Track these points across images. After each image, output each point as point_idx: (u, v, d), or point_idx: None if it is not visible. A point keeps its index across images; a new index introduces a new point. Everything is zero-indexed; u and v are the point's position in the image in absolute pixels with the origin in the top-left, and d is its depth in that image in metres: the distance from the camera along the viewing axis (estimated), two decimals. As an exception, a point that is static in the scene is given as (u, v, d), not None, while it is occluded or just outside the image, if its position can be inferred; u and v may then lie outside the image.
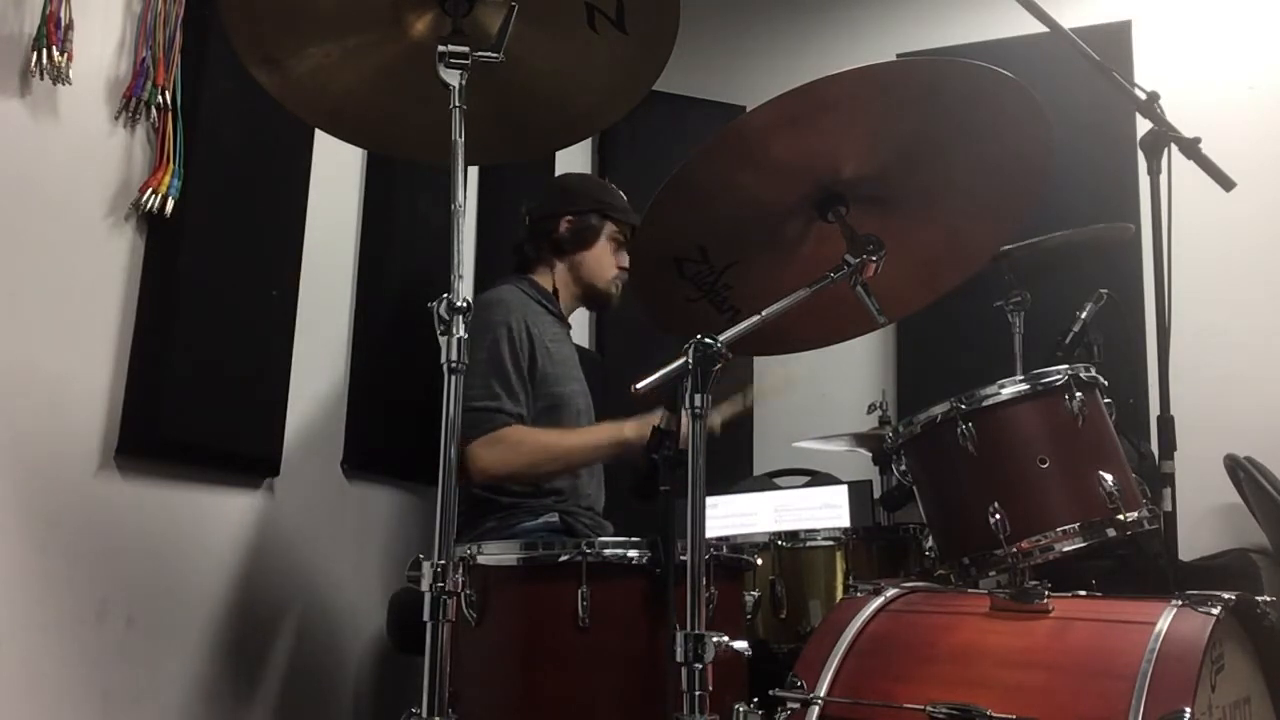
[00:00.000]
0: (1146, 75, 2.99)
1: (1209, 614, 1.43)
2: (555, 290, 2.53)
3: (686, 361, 1.36)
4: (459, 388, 1.36)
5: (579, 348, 2.72)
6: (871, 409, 2.70)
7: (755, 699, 1.49)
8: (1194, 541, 2.72)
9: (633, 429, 2.20)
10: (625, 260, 2.53)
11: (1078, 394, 1.78)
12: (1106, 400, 1.84)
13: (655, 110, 2.80)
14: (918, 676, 1.53)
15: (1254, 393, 3.04)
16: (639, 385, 1.42)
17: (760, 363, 3.03)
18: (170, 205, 1.91)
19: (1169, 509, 1.82)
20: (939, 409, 1.82)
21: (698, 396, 1.35)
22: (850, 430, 2.76)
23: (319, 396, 2.38)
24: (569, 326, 2.60)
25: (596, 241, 2.52)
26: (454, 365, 1.35)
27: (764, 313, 1.49)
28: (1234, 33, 3.33)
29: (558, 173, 3.01)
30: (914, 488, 1.92)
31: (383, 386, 2.51)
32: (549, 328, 2.45)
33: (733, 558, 1.74)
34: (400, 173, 2.55)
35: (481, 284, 2.64)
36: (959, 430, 1.78)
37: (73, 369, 1.82)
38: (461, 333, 1.35)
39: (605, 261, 2.53)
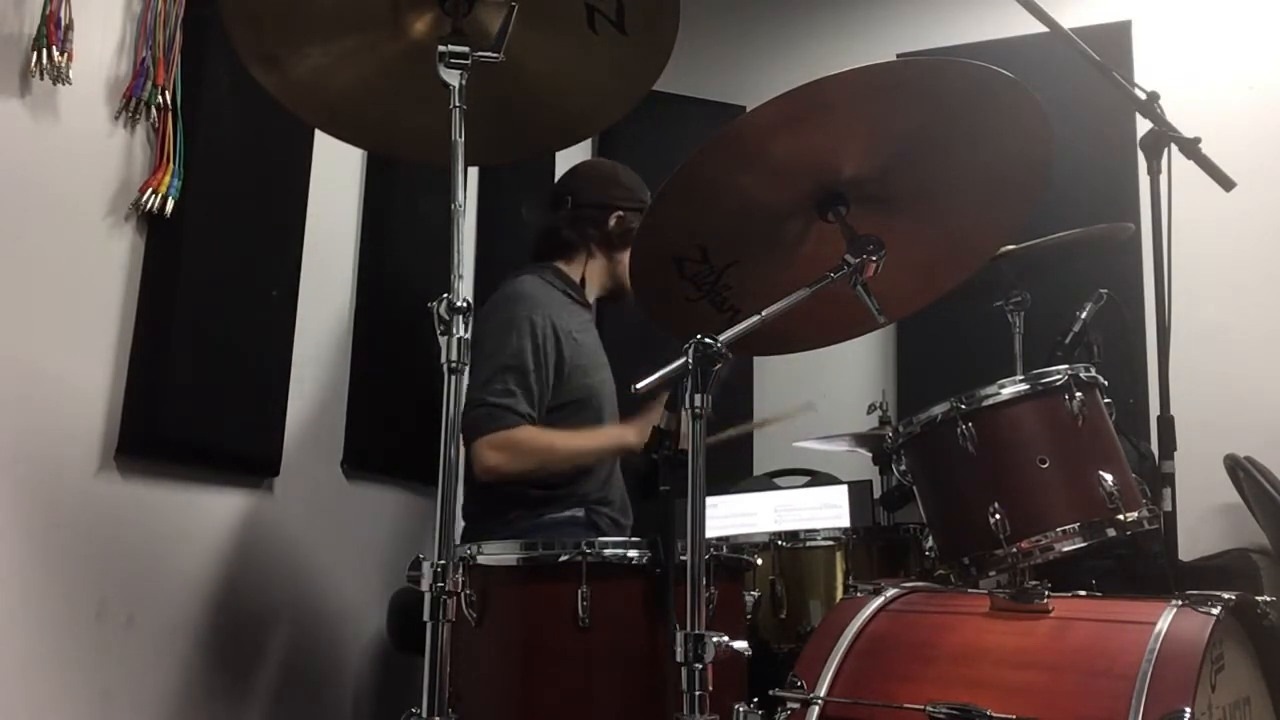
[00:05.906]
0: (1146, 75, 2.99)
1: (1209, 614, 1.43)
2: (583, 279, 2.46)
3: (686, 361, 1.36)
4: (459, 388, 1.36)
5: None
6: (871, 409, 2.70)
7: (755, 699, 1.49)
8: (1194, 541, 2.71)
9: (636, 434, 2.19)
10: None
11: (1078, 394, 1.78)
12: (1106, 400, 1.84)
13: (655, 110, 2.79)
14: (918, 676, 1.53)
15: (1254, 393, 3.04)
16: (639, 385, 1.42)
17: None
18: (170, 205, 1.91)
19: (1169, 509, 1.82)
20: (939, 409, 1.82)
21: (698, 396, 1.35)
22: (850, 430, 2.76)
23: (319, 396, 2.38)
24: (593, 312, 2.54)
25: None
26: (454, 365, 1.35)
27: (764, 313, 1.49)
28: (1234, 33, 3.32)
29: (558, 173, 2.99)
30: (914, 488, 1.92)
31: (383, 386, 2.51)
32: (574, 317, 2.40)
33: (733, 558, 1.74)
34: (400, 173, 2.55)
35: (481, 284, 2.64)
36: (959, 430, 1.78)
37: (73, 369, 1.82)
38: (462, 332, 1.35)
39: None
